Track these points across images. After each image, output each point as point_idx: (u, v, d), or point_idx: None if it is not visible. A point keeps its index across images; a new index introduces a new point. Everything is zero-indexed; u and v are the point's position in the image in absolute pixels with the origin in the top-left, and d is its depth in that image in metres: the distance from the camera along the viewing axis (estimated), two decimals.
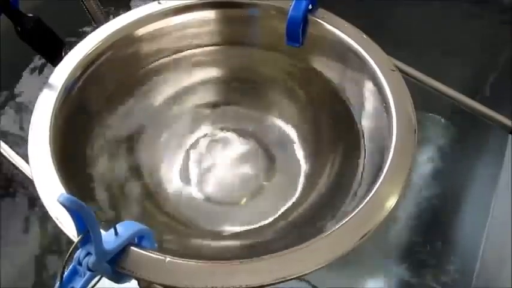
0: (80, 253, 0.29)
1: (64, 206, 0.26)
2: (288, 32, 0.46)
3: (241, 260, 0.32)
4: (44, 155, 0.35)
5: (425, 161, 0.59)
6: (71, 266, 0.29)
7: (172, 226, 0.41)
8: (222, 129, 0.48)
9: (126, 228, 0.32)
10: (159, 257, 0.31)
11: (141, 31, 0.45)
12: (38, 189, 0.34)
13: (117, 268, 0.31)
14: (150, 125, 0.46)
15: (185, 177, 0.45)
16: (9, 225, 0.53)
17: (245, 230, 0.42)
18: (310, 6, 0.46)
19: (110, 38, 0.43)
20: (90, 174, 0.40)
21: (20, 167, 0.37)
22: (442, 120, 0.62)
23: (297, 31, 0.46)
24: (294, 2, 0.45)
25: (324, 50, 0.45)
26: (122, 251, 0.31)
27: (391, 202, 0.34)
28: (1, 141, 0.38)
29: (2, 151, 0.38)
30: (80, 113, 0.41)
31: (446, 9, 0.71)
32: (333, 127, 0.45)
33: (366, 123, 0.42)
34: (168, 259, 0.31)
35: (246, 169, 0.45)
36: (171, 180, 0.44)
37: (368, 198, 0.34)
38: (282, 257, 0.31)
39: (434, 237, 0.51)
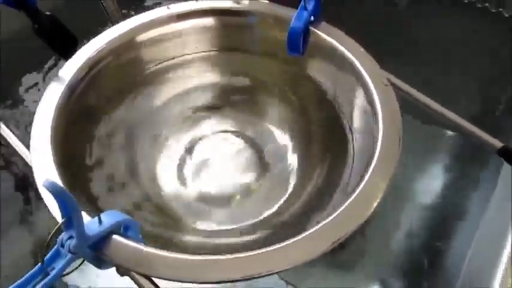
0: (63, 236, 0.31)
1: (48, 190, 0.29)
2: (289, 42, 0.47)
3: (217, 256, 0.33)
4: (45, 144, 0.38)
5: (422, 173, 0.59)
6: (54, 248, 0.31)
7: (161, 220, 0.43)
8: (217, 131, 0.50)
9: (111, 217, 0.34)
10: (138, 246, 0.33)
11: (144, 36, 0.47)
12: (35, 174, 0.36)
13: (98, 254, 0.33)
14: (150, 124, 0.49)
15: (179, 176, 0.47)
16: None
17: (231, 229, 0.44)
18: (312, 18, 0.47)
19: (113, 42, 0.46)
20: (88, 165, 0.43)
21: (21, 153, 0.39)
22: (446, 132, 0.62)
23: (298, 41, 0.47)
24: (296, 13, 0.47)
25: (321, 60, 0.47)
26: (105, 238, 0.33)
27: (368, 210, 0.34)
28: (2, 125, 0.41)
29: (4, 135, 0.41)
30: (82, 109, 0.44)
31: (453, 19, 0.71)
32: (324, 134, 0.47)
33: (355, 131, 0.43)
34: (145, 249, 0.33)
35: (238, 170, 0.47)
36: (165, 178, 0.46)
37: (346, 204, 0.35)
38: (256, 255, 0.33)
39: (425, 253, 0.51)
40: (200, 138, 0.49)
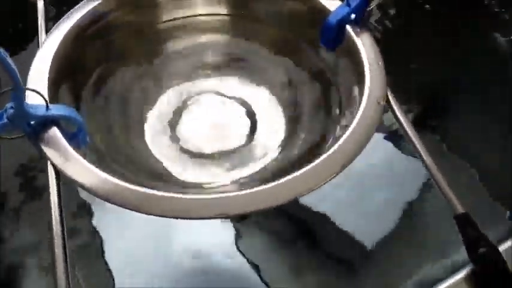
0: (9, 104, 0.36)
1: None
2: (322, 34, 0.46)
3: (127, 184, 0.35)
4: (52, 49, 0.43)
5: None
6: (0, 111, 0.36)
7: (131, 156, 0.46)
8: (214, 91, 0.51)
9: (60, 109, 0.39)
10: (64, 143, 0.37)
11: None
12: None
13: (34, 133, 0.37)
14: (152, 73, 0.51)
15: (170, 125, 0.49)
16: None
17: (199, 182, 0.45)
18: (353, 16, 0.45)
19: None
20: (85, 83, 0.46)
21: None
22: None
23: (331, 36, 0.46)
24: (336, 8, 0.45)
25: (339, 53, 0.46)
26: (48, 125, 0.38)
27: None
28: None
29: None
30: (96, 39, 0.47)
31: None
32: (314, 108, 0.47)
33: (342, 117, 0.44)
34: (67, 148, 0.37)
35: (227, 130, 0.49)
36: (152, 125, 0.49)
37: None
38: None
39: None
40: (197, 95, 0.51)
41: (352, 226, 0.55)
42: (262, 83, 0.51)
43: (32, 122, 0.38)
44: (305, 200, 0.56)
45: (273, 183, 0.35)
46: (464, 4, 0.67)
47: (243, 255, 0.53)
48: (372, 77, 0.40)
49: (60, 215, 0.34)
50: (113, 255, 0.52)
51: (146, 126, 0.48)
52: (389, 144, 0.62)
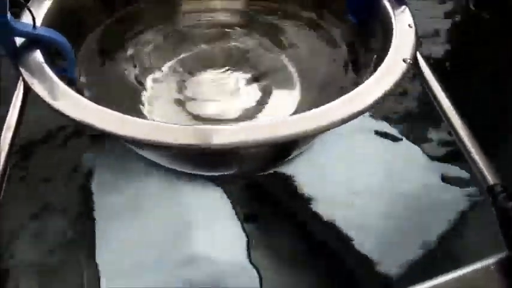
0: None
1: None
2: (348, 4, 0.43)
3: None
4: None
5: None
6: None
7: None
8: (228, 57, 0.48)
9: (48, 31, 0.35)
10: (43, 65, 0.34)
11: None
12: None
13: (16, 51, 0.34)
14: (169, 30, 0.49)
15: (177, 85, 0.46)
16: None
17: None
18: None
19: None
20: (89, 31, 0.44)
21: None
22: None
23: (357, 6, 0.42)
24: None
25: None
26: (33, 45, 0.35)
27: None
28: None
29: None
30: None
31: None
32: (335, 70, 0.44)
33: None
34: (46, 71, 0.33)
35: (238, 94, 0.46)
36: (158, 77, 0.46)
37: None
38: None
39: None
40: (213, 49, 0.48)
41: (375, 254, 0.47)
42: (283, 50, 0.47)
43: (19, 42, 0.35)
44: (329, 218, 0.49)
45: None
46: None
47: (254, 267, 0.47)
48: (400, 37, 0.36)
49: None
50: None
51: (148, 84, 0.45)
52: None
